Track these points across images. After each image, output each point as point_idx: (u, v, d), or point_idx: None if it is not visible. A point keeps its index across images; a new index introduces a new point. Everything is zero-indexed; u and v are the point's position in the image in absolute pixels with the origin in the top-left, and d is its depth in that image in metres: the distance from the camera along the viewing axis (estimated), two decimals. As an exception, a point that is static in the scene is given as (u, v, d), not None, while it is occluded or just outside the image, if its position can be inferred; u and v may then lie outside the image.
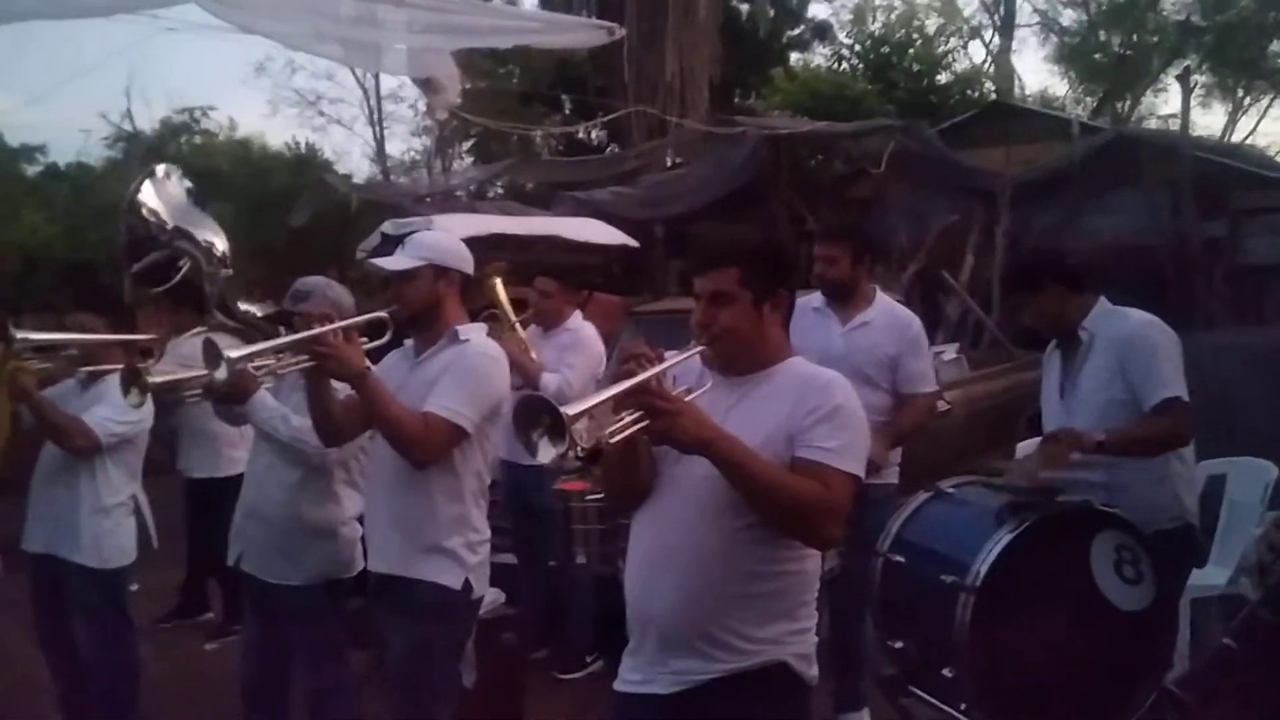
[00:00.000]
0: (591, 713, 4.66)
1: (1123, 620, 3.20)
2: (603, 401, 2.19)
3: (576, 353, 5.14)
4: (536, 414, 2.13)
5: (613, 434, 2.19)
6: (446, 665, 3.35)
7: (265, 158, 21.70)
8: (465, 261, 3.42)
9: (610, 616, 2.65)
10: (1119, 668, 3.24)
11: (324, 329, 3.03)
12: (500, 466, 4.47)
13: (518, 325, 5.25)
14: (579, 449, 2.11)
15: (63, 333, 4.47)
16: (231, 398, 3.64)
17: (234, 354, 2.95)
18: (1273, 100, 26.48)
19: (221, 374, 2.95)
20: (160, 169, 7.37)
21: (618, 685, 2.56)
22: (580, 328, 5.32)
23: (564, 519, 4.99)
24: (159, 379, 3.66)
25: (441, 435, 3.15)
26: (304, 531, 3.68)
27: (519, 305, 5.39)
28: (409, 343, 3.41)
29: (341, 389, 3.22)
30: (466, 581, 3.27)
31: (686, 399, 2.33)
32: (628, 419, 2.21)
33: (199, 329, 5.96)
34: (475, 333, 3.38)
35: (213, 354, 2.95)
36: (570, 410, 2.07)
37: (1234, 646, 1.80)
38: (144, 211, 6.92)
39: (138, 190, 7.00)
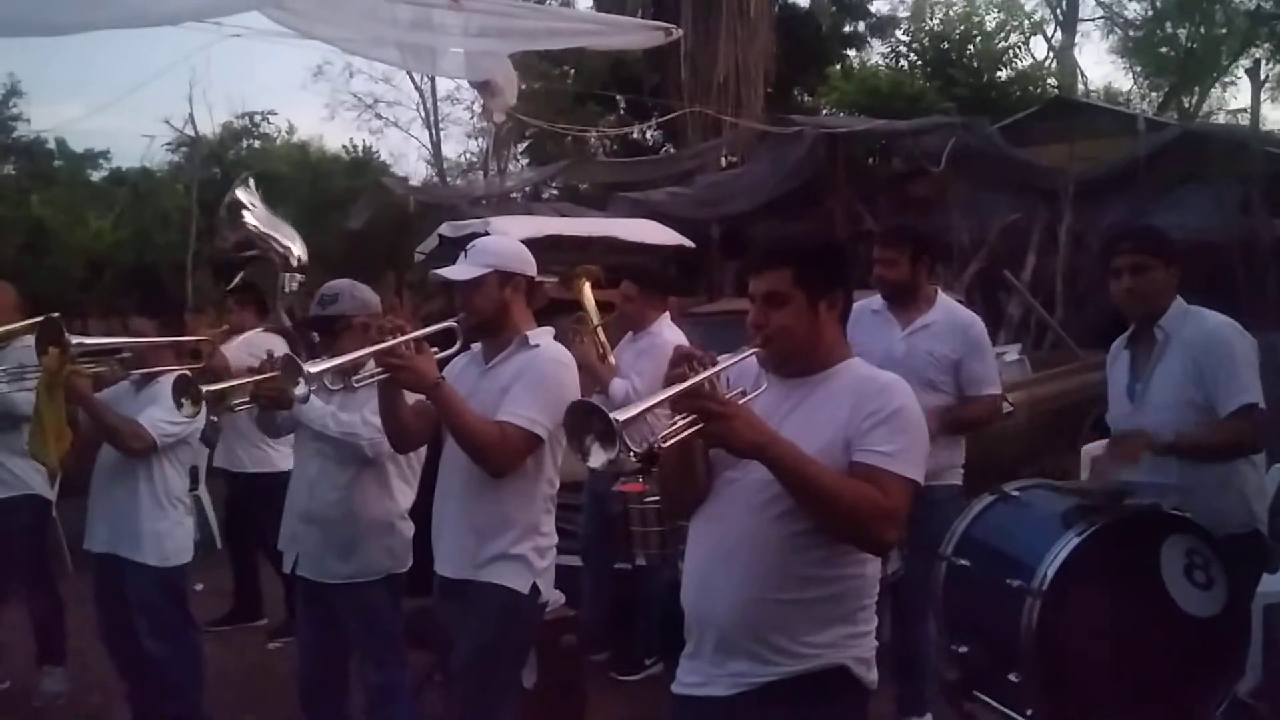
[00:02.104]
0: (651, 715, 4.64)
1: (1193, 625, 3.13)
2: (653, 406, 2.17)
3: (649, 359, 5.05)
4: (588, 419, 2.13)
5: (666, 438, 2.18)
6: (511, 668, 3.36)
7: (323, 161, 22.05)
8: (529, 265, 3.42)
9: (670, 619, 2.64)
10: (1189, 674, 3.17)
11: (397, 340, 3.03)
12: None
13: (599, 329, 5.23)
14: (631, 453, 2.10)
15: (123, 337, 4.57)
16: (279, 403, 3.67)
17: (313, 369, 2.95)
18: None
19: (301, 390, 2.96)
20: (249, 176, 7.60)
21: (675, 688, 2.55)
22: (660, 333, 5.26)
23: (623, 521, 4.98)
24: (212, 387, 3.71)
25: (518, 444, 3.15)
26: (362, 528, 3.71)
27: (607, 308, 5.39)
28: (476, 347, 3.41)
29: (412, 395, 3.23)
30: (534, 586, 3.28)
31: (741, 402, 2.31)
32: (681, 423, 2.19)
33: (255, 330, 6.05)
34: (544, 337, 3.37)
35: (292, 370, 2.97)
36: (619, 415, 2.06)
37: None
38: (242, 215, 7.11)
39: (234, 194, 7.20)
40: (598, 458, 2.11)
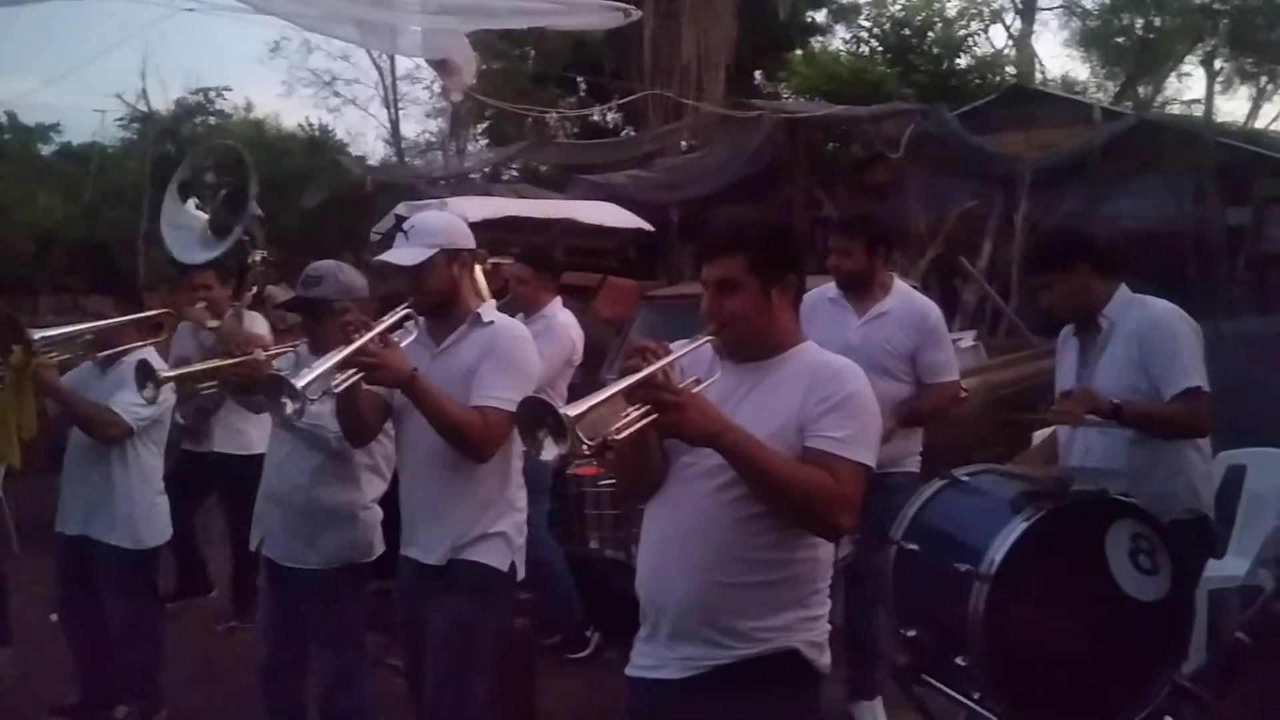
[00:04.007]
0: (604, 698, 4.66)
1: (1138, 610, 3.16)
2: (606, 399, 2.18)
3: (547, 341, 4.96)
4: (540, 415, 2.14)
5: (619, 430, 2.18)
6: (486, 646, 3.33)
7: (280, 139, 21.80)
8: (470, 238, 3.39)
9: (625, 601, 2.65)
10: (1134, 658, 3.20)
11: (364, 339, 2.96)
12: None
13: None
14: (584, 447, 2.11)
15: (79, 316, 4.50)
16: (246, 388, 3.63)
17: (299, 383, 2.88)
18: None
19: (290, 409, 2.91)
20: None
21: (629, 670, 2.56)
22: (555, 315, 5.27)
23: (577, 504, 4.98)
24: (172, 374, 3.66)
25: (502, 427, 3.12)
26: (324, 515, 3.68)
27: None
28: (422, 325, 3.32)
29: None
30: (512, 563, 3.28)
31: (695, 390, 2.32)
32: (635, 414, 2.20)
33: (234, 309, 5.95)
34: (494, 313, 3.35)
35: (279, 389, 2.91)
36: (571, 411, 2.08)
37: (1246, 640, 1.77)
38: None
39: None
40: (550, 452, 2.13)
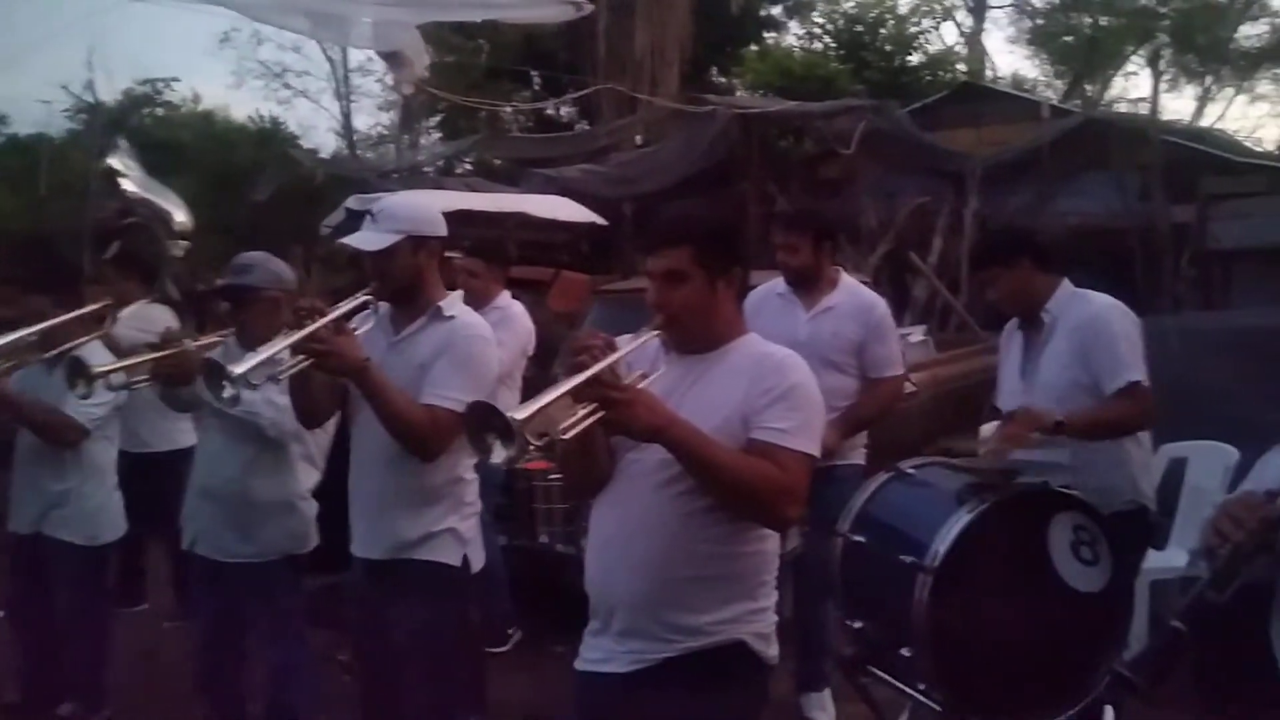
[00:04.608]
0: (555, 692, 4.65)
1: (1079, 600, 3.21)
2: (554, 399, 2.17)
3: (503, 330, 4.94)
4: (487, 418, 2.13)
5: (567, 429, 2.17)
6: (454, 641, 3.29)
7: (229, 131, 21.56)
8: (439, 225, 3.26)
9: (575, 596, 2.65)
10: (1075, 647, 3.25)
11: (317, 325, 2.89)
12: None
13: None
14: (532, 448, 2.10)
15: (18, 320, 4.41)
16: (178, 379, 3.58)
17: (238, 370, 2.85)
18: (1240, 86, 26.68)
19: (229, 392, 2.86)
20: (123, 141, 7.32)
21: (578, 664, 2.57)
22: (508, 306, 5.26)
23: (526, 498, 4.97)
24: (107, 367, 3.60)
25: (449, 428, 3.00)
26: (261, 507, 3.63)
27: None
28: (383, 310, 3.26)
29: None
30: (465, 558, 3.22)
31: (641, 385, 2.32)
32: (581, 413, 2.20)
33: (142, 302, 5.86)
34: (457, 306, 3.25)
35: (217, 373, 2.87)
36: (518, 415, 2.07)
37: (1182, 629, 1.80)
38: (116, 180, 6.86)
39: (104, 159, 6.94)
40: (499, 455, 2.12)
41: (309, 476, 3.73)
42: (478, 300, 5.21)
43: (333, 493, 3.61)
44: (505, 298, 5.32)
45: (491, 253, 5.43)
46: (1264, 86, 27.12)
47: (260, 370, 2.90)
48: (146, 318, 5.08)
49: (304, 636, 3.85)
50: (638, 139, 15.83)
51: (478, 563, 3.30)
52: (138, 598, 6.16)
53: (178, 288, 6.15)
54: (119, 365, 3.69)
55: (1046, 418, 3.42)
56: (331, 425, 3.60)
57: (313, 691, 3.84)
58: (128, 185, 6.97)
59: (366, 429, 3.16)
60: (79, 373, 3.47)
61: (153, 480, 5.17)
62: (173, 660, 4.98)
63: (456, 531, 3.21)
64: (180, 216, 6.97)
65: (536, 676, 4.98)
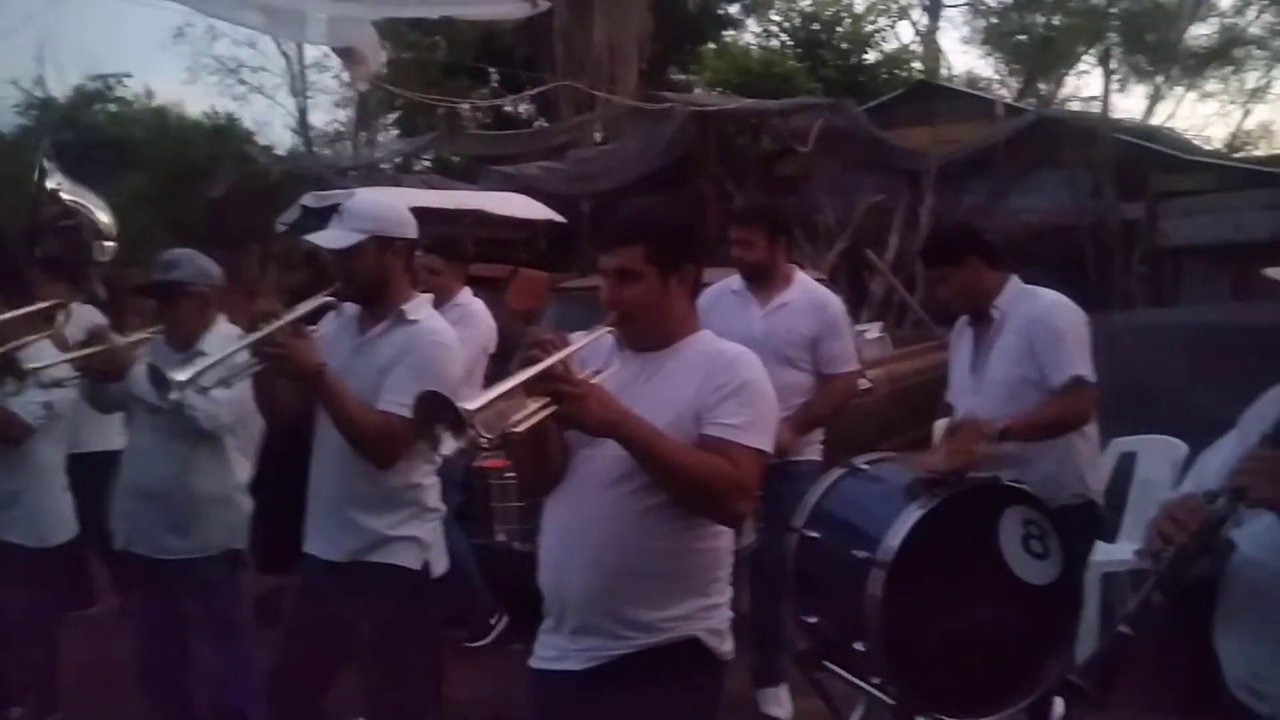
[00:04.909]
0: (509, 690, 4.64)
1: (1030, 593, 3.25)
2: (505, 392, 2.17)
3: (464, 328, 4.98)
4: (438, 409, 2.12)
5: (519, 422, 2.17)
6: (416, 645, 3.25)
7: (183, 127, 21.22)
8: (409, 226, 3.21)
9: (532, 594, 2.65)
10: (1026, 640, 3.29)
11: (273, 327, 2.87)
12: None
13: None
14: (484, 440, 2.10)
15: None
16: (109, 375, 3.54)
17: (182, 376, 2.81)
18: (1190, 85, 27.05)
19: (175, 396, 2.83)
20: (44, 140, 7.24)
21: (532, 662, 2.56)
22: (469, 303, 5.25)
23: (483, 496, 4.96)
24: (34, 365, 3.58)
25: (403, 437, 2.95)
26: (199, 503, 3.61)
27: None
28: (349, 310, 3.23)
29: None
30: (425, 563, 3.19)
31: (593, 380, 2.33)
32: (534, 406, 2.20)
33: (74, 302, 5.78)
34: (423, 310, 3.21)
35: (160, 378, 2.84)
36: (469, 406, 2.06)
37: (1130, 633, 1.83)
38: (48, 184, 6.77)
39: (44, 162, 6.85)
40: (448, 446, 2.11)
41: (244, 470, 3.71)
42: (439, 297, 5.18)
43: (281, 492, 3.58)
44: (466, 295, 5.31)
45: (452, 250, 5.42)
46: (1212, 85, 27.52)
47: (214, 373, 2.88)
48: (77, 318, 5.01)
49: (246, 635, 3.81)
50: (597, 136, 15.83)
51: (439, 568, 3.27)
52: (89, 599, 6.09)
53: (108, 287, 6.05)
54: (49, 363, 3.65)
55: (989, 428, 3.46)
56: (260, 420, 3.58)
57: (255, 693, 3.79)
58: (53, 184, 6.87)
59: (327, 429, 3.12)
60: (9, 370, 3.44)
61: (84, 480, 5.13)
62: (124, 662, 4.94)
63: (417, 537, 3.18)
64: (104, 218, 6.89)
65: (495, 675, 4.98)
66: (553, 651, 2.51)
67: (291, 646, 3.34)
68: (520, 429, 2.17)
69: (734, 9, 22.65)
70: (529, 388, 2.20)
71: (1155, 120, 24.77)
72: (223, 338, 3.50)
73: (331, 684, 3.33)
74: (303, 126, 24.26)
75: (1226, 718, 2.08)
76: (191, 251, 3.71)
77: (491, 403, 2.12)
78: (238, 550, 3.71)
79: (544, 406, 2.20)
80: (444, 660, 4.44)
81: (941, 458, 3.37)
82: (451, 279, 5.26)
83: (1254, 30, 25.39)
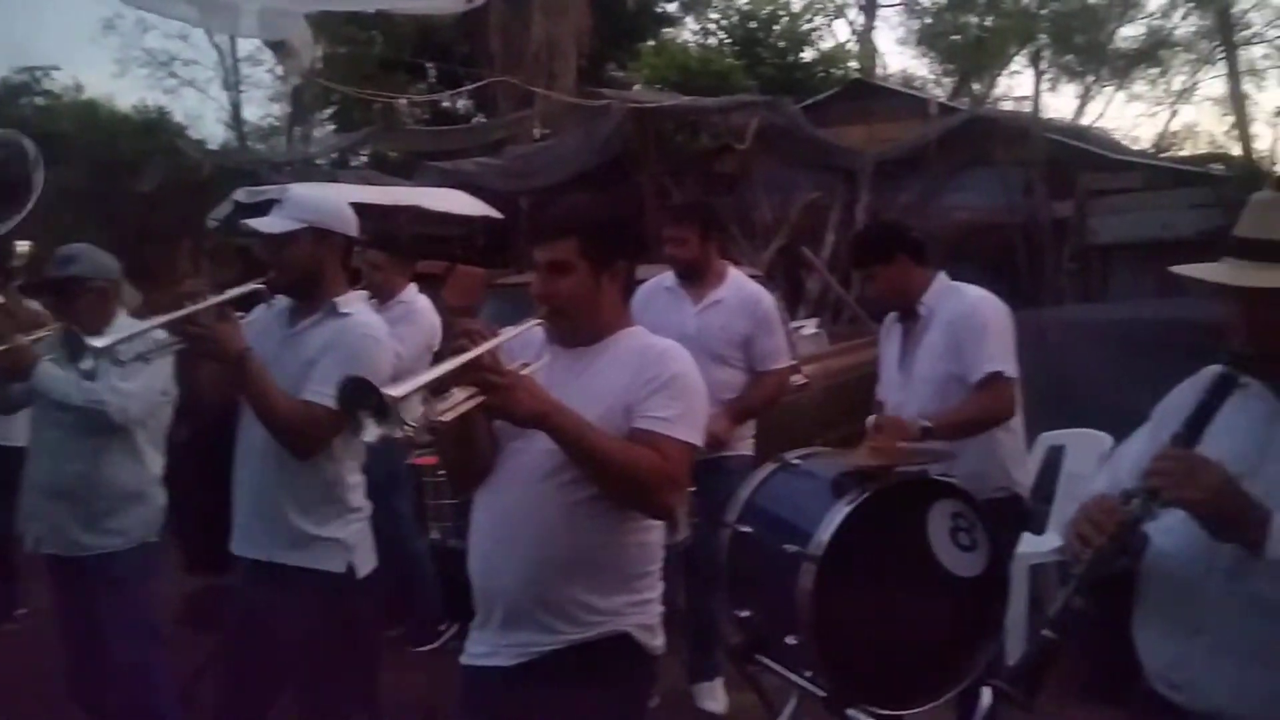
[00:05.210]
0: (444, 687, 4.62)
1: (958, 585, 3.29)
2: (432, 380, 2.16)
3: (409, 325, 4.97)
4: (362, 393, 2.09)
5: (446, 411, 2.15)
6: (343, 649, 3.19)
7: (113, 121, 20.83)
8: (349, 223, 3.19)
9: (465, 591, 2.64)
10: (955, 631, 3.33)
11: (197, 307, 2.81)
12: None
13: None
14: (408, 428, 2.08)
15: None
16: (12, 373, 3.47)
17: (99, 343, 2.76)
18: (1118, 86, 27.62)
19: (88, 365, 2.78)
20: None
21: (463, 659, 2.55)
22: (413, 300, 5.22)
23: (417, 494, 4.93)
24: None
25: (325, 426, 2.93)
26: (114, 496, 3.55)
27: (352, 277, 5.27)
28: (281, 302, 3.19)
29: None
30: (350, 565, 3.13)
31: (523, 373, 2.31)
32: (462, 395, 2.18)
33: None
34: (356, 304, 3.18)
35: (77, 345, 2.79)
36: (394, 391, 2.04)
37: (1054, 637, 1.86)
38: None
39: None
40: (372, 432, 2.08)
41: (157, 463, 3.66)
42: (382, 294, 5.17)
43: (209, 489, 3.52)
44: (411, 291, 5.27)
45: (396, 245, 5.38)
46: (1140, 87, 28.19)
47: (132, 347, 2.84)
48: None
49: (159, 632, 3.74)
50: (536, 133, 15.78)
51: (364, 568, 3.22)
52: (15, 602, 5.96)
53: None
54: None
55: (911, 427, 3.50)
56: (168, 410, 3.53)
57: (168, 694, 3.73)
58: None
59: (251, 423, 3.08)
60: None
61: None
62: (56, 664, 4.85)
63: (341, 538, 3.12)
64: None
65: (429, 673, 4.95)
66: (483, 648, 2.50)
67: (229, 652, 3.29)
68: (447, 418, 2.16)
69: (672, 7, 22.82)
70: (457, 377, 2.19)
71: (1085, 120, 25.35)
72: (125, 330, 3.44)
73: (278, 690, 3.25)
74: (236, 121, 24.00)
75: (1145, 709, 2.11)
76: (88, 246, 3.66)
77: (417, 389, 2.10)
78: (153, 544, 3.65)
79: (471, 396, 2.19)
80: (381, 660, 4.41)
81: (865, 455, 3.41)
82: (396, 275, 5.22)
83: (1180, 32, 26.02)
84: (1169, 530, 1.98)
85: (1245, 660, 1.92)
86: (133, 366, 3.21)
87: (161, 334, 2.99)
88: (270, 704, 3.21)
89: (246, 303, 3.12)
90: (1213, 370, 2.01)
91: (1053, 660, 1.87)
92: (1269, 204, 2.03)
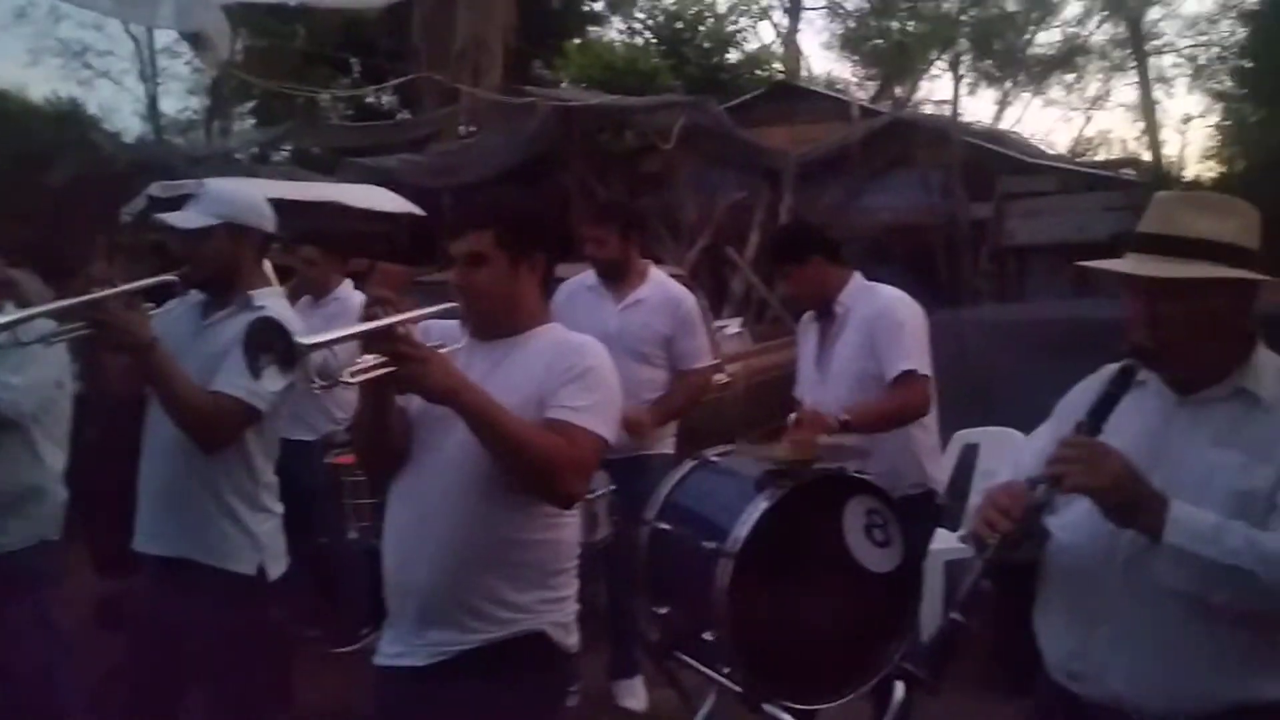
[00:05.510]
0: (361, 688, 4.57)
1: (873, 581, 3.33)
2: (344, 338, 2.14)
3: (343, 322, 4.93)
4: (270, 338, 2.07)
5: (355, 372, 2.14)
6: (254, 653, 3.13)
7: (24, 111, 20.29)
8: (266, 219, 3.16)
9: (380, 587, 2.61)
10: (869, 626, 3.37)
11: (104, 294, 2.76)
12: None
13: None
14: (313, 384, 2.07)
15: None
16: None
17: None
18: (1035, 92, 28.21)
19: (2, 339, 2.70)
20: None
21: (376, 659, 2.52)
22: (348, 297, 5.16)
23: (335, 493, 4.86)
24: None
25: (234, 418, 2.89)
26: (9, 495, 3.46)
27: (285, 274, 5.20)
28: (194, 297, 3.14)
29: None
30: (260, 566, 3.07)
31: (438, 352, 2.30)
32: (372, 361, 2.17)
33: None
34: (271, 299, 3.14)
35: None
36: (305, 340, 2.03)
37: (961, 620, 1.89)
38: None
39: None
40: (272, 381, 2.08)
41: (57, 459, 3.58)
42: (317, 290, 5.11)
43: (125, 491, 3.45)
44: (346, 288, 5.22)
45: (330, 240, 5.32)
46: (1056, 93, 28.84)
47: (33, 329, 2.77)
48: None
49: (62, 633, 3.66)
50: (461, 130, 15.67)
51: (276, 570, 3.16)
52: None
53: None
54: None
55: (830, 420, 3.55)
56: (66, 404, 3.46)
57: (68, 698, 3.62)
58: None
59: (158, 417, 3.01)
60: None
61: None
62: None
63: (252, 539, 3.07)
64: None
65: (347, 674, 4.89)
66: (397, 647, 2.47)
67: (136, 651, 3.20)
68: (354, 380, 2.15)
69: (598, 5, 22.80)
70: (370, 345, 2.18)
71: (1003, 124, 25.81)
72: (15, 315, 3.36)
73: (183, 689, 3.19)
74: (152, 113, 23.50)
75: (1046, 699, 2.15)
76: None
77: (326, 345, 2.09)
78: (54, 542, 3.57)
79: (381, 364, 2.17)
80: (295, 662, 4.36)
81: (785, 450, 3.44)
82: (330, 271, 5.16)
83: (1095, 40, 26.67)
84: (1070, 525, 2.03)
85: (1143, 650, 1.96)
86: (21, 358, 3.14)
87: (52, 323, 2.91)
88: (178, 704, 3.15)
89: (161, 296, 3.07)
90: (1114, 366, 2.07)
91: (959, 642, 1.90)
92: (1170, 201, 2.11)
